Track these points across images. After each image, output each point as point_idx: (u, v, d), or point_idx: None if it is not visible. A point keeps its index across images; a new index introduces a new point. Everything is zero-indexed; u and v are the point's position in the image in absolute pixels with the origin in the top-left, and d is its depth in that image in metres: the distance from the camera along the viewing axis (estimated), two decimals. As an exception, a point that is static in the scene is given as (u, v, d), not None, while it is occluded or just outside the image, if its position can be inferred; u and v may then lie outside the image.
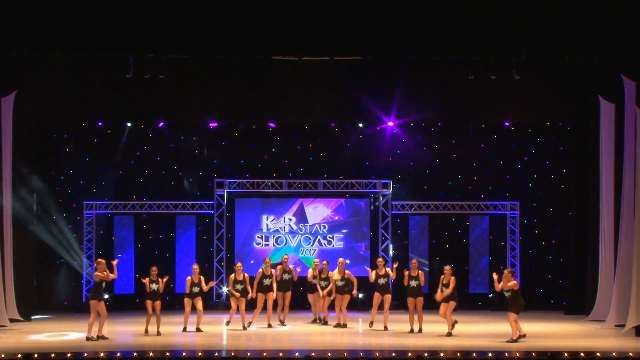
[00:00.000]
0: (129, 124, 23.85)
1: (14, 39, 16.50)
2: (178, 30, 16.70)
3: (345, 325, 18.77)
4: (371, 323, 18.61)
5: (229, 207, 24.25)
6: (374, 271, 18.97)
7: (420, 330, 18.33)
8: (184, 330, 18.55)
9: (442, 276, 18.04)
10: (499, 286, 17.18)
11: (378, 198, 24.25)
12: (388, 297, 18.86)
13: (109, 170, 24.19)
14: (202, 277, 19.01)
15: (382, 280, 18.81)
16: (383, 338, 17.51)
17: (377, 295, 18.85)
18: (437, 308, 18.06)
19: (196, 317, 18.72)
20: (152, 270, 18.42)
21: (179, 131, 24.32)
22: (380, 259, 19.23)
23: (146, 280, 18.26)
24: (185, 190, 24.19)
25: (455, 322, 17.89)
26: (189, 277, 18.87)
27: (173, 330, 19.10)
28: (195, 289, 18.82)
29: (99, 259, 18.32)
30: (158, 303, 18.24)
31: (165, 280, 18.31)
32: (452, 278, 17.87)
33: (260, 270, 18.96)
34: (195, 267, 19.10)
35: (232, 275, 18.70)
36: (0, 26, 16.40)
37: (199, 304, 18.77)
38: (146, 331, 18.11)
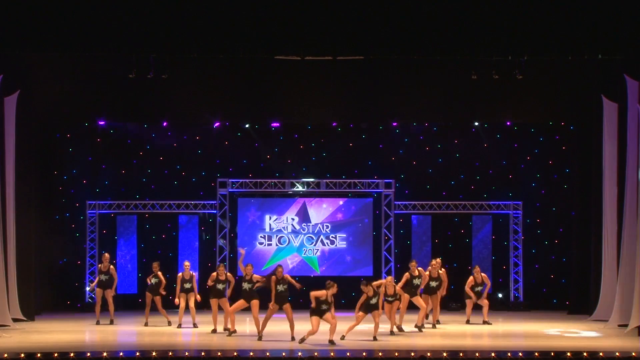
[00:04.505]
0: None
1: (17, 39, 16.52)
2: (181, 30, 16.71)
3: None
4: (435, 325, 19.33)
5: (232, 207, 24.25)
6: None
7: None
8: (179, 326, 19.28)
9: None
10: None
11: (381, 198, 24.24)
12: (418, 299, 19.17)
13: (112, 169, 24.21)
14: (193, 273, 19.66)
15: (416, 281, 19.10)
16: (386, 338, 17.49)
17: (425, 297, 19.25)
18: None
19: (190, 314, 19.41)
20: (154, 265, 19.92)
21: (181, 131, 24.33)
22: (413, 262, 19.40)
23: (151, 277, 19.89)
24: None
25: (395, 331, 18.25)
26: (179, 274, 19.56)
27: (174, 329, 19.13)
28: (187, 285, 19.36)
29: (105, 254, 20.40)
30: (158, 298, 19.71)
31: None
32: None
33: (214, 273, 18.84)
34: (187, 263, 19.74)
35: (214, 274, 18.50)
36: (4, 26, 16.41)
37: (192, 300, 19.35)
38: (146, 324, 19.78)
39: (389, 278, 18.32)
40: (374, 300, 17.13)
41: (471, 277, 20.42)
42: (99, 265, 20.49)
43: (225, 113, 23.38)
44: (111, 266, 20.33)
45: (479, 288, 20.25)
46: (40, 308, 21.91)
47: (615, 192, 20.01)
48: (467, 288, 20.27)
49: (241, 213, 24.31)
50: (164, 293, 19.87)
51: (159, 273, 19.93)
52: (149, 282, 19.96)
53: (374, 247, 24.22)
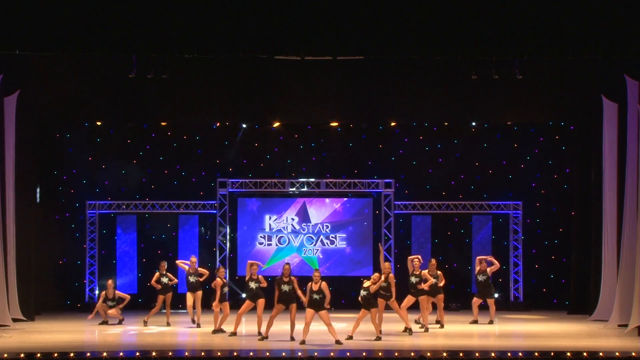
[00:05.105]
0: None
1: (17, 39, 16.49)
2: (181, 30, 16.68)
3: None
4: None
5: (232, 207, 24.26)
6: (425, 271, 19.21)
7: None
8: (198, 325, 19.24)
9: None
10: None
11: (380, 198, 24.24)
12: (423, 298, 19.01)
13: (112, 169, 24.21)
14: (199, 268, 19.64)
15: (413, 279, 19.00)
16: (386, 338, 17.48)
17: (428, 297, 19.04)
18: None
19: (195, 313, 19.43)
20: (162, 265, 19.84)
21: (181, 131, 24.34)
22: (416, 258, 19.30)
23: (156, 275, 19.78)
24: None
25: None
26: (187, 268, 19.53)
27: (175, 329, 19.13)
28: (192, 279, 19.27)
29: (109, 280, 20.40)
30: (169, 295, 19.79)
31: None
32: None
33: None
34: (193, 259, 19.71)
35: (218, 280, 18.13)
36: (3, 26, 16.41)
37: (199, 299, 19.33)
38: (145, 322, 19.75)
39: (386, 264, 18.00)
40: (363, 293, 17.07)
41: (478, 267, 20.48)
42: (103, 292, 20.21)
43: (225, 113, 23.39)
44: (116, 291, 20.37)
45: (482, 277, 20.21)
46: (40, 308, 21.91)
47: (615, 192, 20.01)
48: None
49: (241, 213, 24.31)
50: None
51: (169, 274, 19.92)
52: (161, 282, 19.79)
53: (374, 247, 24.21)
